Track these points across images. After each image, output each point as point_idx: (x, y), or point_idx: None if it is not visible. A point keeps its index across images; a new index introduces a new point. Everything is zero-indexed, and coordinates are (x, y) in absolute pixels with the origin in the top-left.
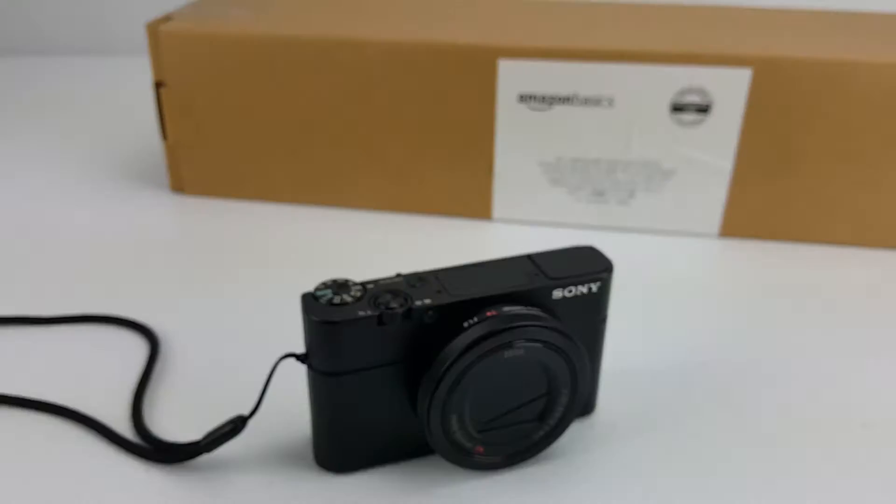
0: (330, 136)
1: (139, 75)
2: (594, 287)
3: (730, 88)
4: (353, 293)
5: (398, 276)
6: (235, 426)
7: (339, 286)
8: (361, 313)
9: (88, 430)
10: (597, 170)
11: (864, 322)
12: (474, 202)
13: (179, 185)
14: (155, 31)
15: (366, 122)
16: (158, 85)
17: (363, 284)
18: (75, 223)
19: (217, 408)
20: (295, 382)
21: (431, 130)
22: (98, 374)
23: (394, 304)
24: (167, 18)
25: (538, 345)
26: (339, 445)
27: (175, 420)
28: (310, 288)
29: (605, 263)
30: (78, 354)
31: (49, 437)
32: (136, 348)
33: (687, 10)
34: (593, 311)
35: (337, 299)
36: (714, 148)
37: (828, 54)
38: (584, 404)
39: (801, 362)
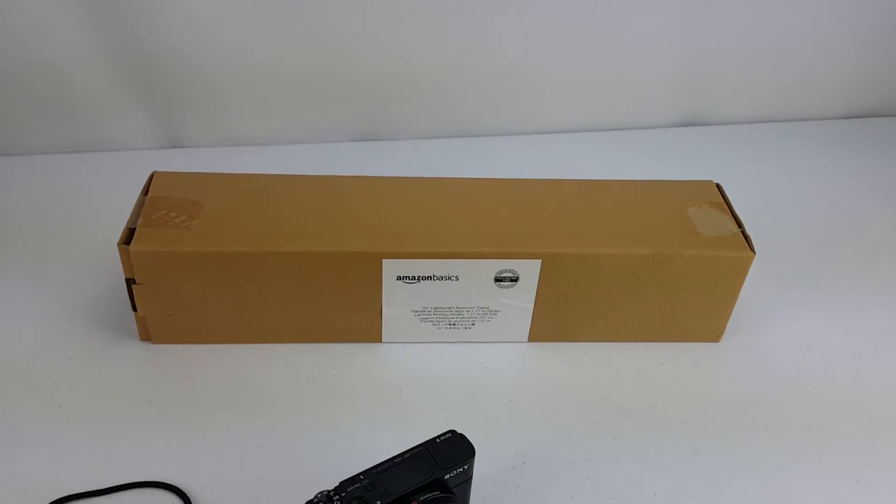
0: (266, 304)
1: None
2: (466, 466)
3: (529, 269)
4: None
5: (360, 475)
6: None
7: (327, 498)
8: None
9: None
10: (450, 312)
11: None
12: (371, 333)
13: (146, 336)
14: (124, 249)
15: (294, 292)
16: (129, 280)
17: (340, 494)
18: (63, 379)
19: None
20: None
21: (343, 295)
22: None
23: None
24: (131, 229)
25: None
26: None
27: None
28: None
29: (470, 450)
30: None
31: None
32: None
33: (505, 214)
34: (466, 475)
35: None
36: (522, 299)
37: (584, 250)
38: None
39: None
